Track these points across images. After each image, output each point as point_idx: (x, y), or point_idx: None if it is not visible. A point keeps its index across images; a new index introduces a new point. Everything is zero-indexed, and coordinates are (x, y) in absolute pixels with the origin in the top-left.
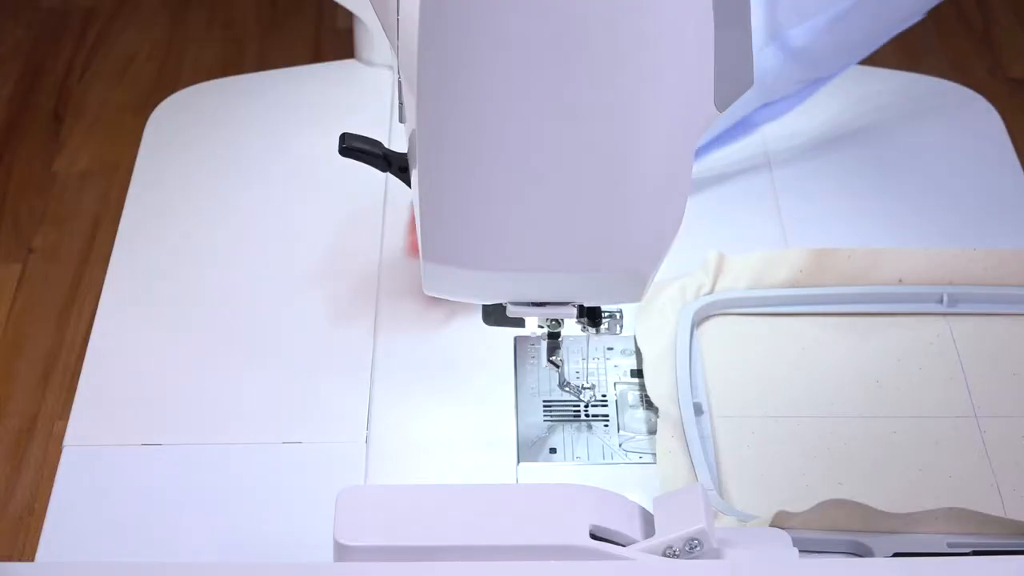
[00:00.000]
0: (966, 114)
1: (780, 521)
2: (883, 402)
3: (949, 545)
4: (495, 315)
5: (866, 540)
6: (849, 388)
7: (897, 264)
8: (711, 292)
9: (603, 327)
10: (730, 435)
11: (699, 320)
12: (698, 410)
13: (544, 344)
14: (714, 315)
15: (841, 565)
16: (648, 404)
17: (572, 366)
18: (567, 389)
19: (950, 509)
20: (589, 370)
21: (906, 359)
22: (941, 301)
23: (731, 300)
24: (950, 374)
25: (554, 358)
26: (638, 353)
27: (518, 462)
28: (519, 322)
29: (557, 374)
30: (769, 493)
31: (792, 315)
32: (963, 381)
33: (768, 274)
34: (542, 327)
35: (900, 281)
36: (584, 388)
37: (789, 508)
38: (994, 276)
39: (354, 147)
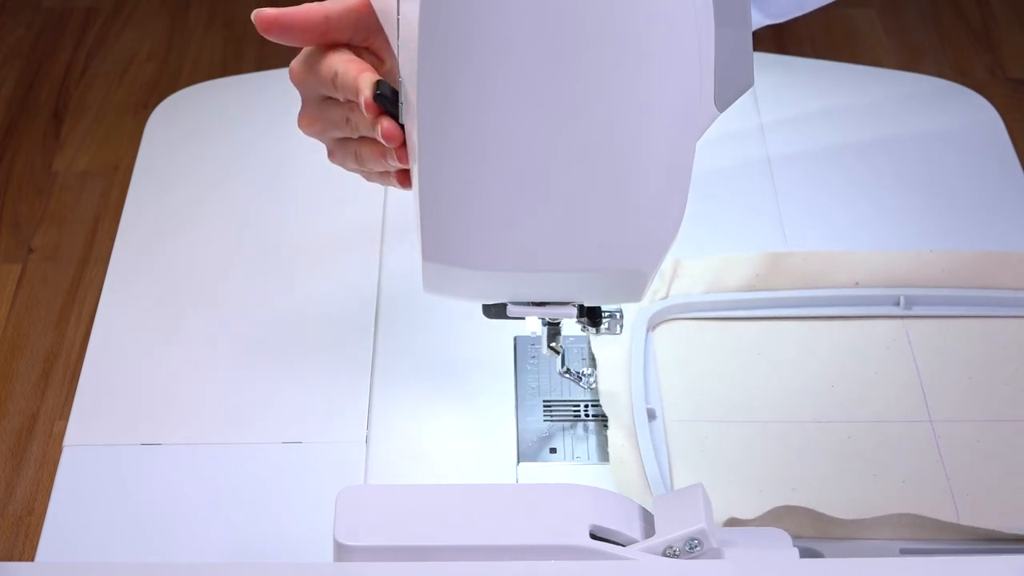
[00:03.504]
0: (966, 114)
1: (730, 527)
2: (838, 406)
3: (901, 551)
4: (495, 308)
5: (817, 546)
6: (804, 392)
7: (854, 267)
8: (666, 297)
9: (603, 327)
10: (683, 440)
11: (654, 325)
12: (651, 415)
13: (545, 331)
14: (669, 320)
15: (841, 565)
16: None
17: (573, 364)
18: (567, 375)
19: (902, 515)
20: (590, 364)
21: (862, 363)
22: (898, 304)
23: (686, 305)
24: (906, 378)
25: (554, 344)
26: (592, 358)
27: (518, 462)
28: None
29: (557, 360)
30: (722, 498)
31: (748, 319)
32: (919, 385)
33: (724, 278)
34: (542, 320)
35: (857, 284)
36: (584, 374)
37: (742, 514)
38: (951, 278)
39: (386, 95)
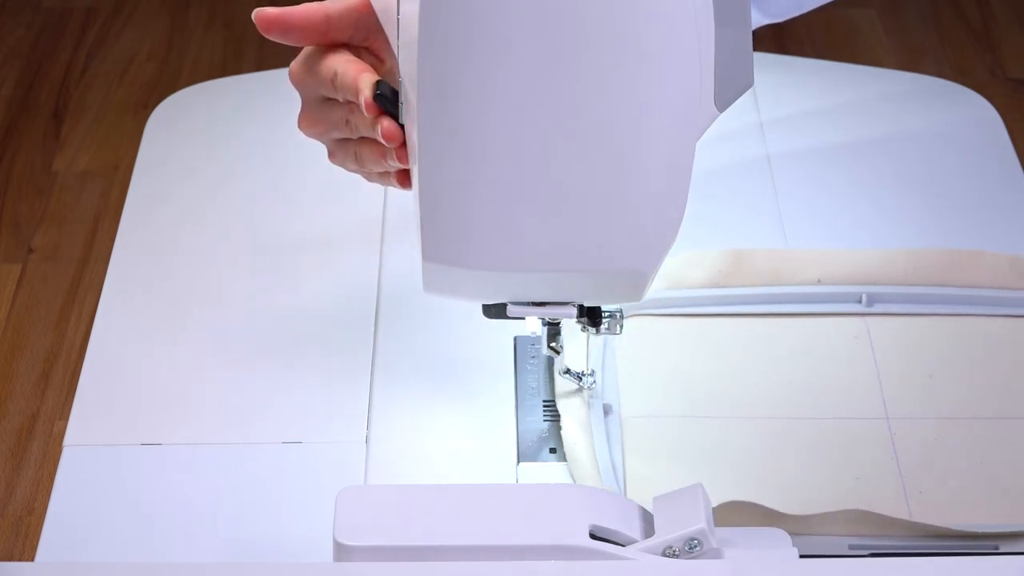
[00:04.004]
0: (966, 114)
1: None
2: (796, 403)
3: (851, 547)
4: (495, 308)
5: None
6: (763, 389)
7: (816, 264)
8: None
9: (603, 327)
10: (639, 436)
11: None
12: (607, 411)
13: (545, 331)
14: (630, 315)
15: (841, 565)
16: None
17: (574, 360)
18: (568, 376)
19: (851, 511)
20: (590, 359)
21: (822, 360)
22: (860, 301)
23: (648, 301)
24: (865, 375)
25: (554, 344)
26: (550, 358)
27: (518, 462)
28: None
29: (557, 360)
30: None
31: (710, 316)
32: (877, 382)
33: (687, 275)
34: (542, 320)
35: (819, 281)
36: (585, 375)
37: None
38: (914, 276)
39: (386, 95)
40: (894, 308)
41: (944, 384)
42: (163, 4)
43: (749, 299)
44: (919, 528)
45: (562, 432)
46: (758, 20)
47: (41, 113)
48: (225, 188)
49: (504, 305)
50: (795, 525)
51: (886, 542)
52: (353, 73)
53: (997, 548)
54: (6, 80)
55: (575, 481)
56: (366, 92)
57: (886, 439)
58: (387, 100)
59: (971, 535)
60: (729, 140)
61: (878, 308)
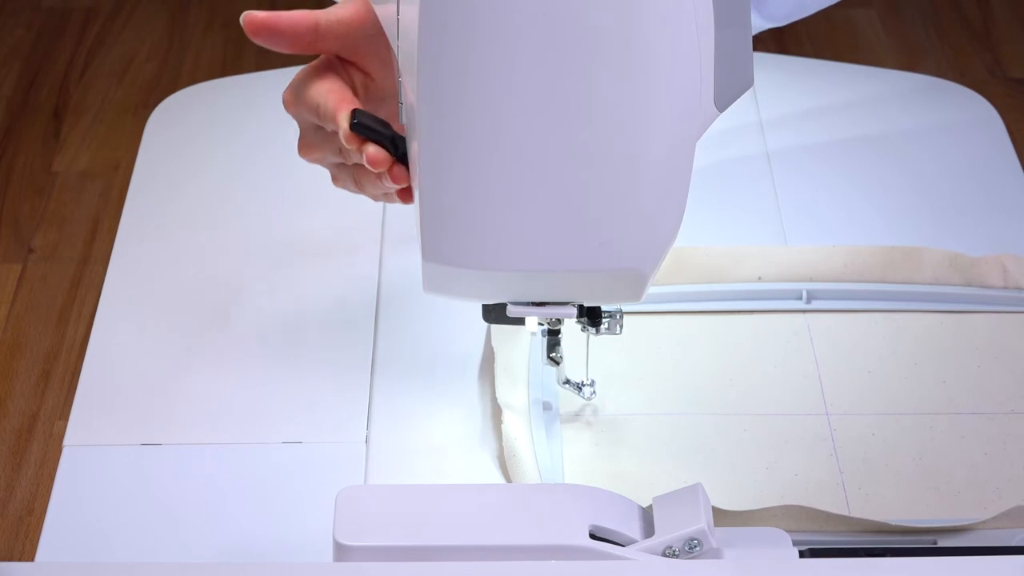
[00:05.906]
0: (966, 114)
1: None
2: (737, 400)
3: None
4: (495, 312)
5: None
6: (703, 386)
7: (757, 262)
8: None
9: (603, 327)
10: (579, 433)
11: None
12: (546, 407)
13: (544, 341)
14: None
15: (841, 565)
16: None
17: (573, 361)
18: (567, 386)
19: (789, 507)
20: (589, 367)
21: (763, 357)
22: (800, 298)
23: None
24: (805, 372)
25: (554, 355)
26: (490, 353)
27: None
28: (519, 319)
29: (557, 371)
30: (615, 491)
31: (650, 314)
32: (817, 379)
33: None
34: (542, 324)
35: (760, 279)
36: (584, 385)
37: None
38: (854, 273)
39: (364, 124)
40: (834, 305)
41: (883, 380)
42: (163, 4)
43: (690, 297)
44: (857, 523)
45: (502, 428)
46: (759, 24)
47: (41, 113)
48: (225, 188)
49: (504, 308)
50: (734, 521)
51: (825, 538)
52: (333, 105)
53: (935, 543)
54: (6, 80)
55: (513, 479)
56: (344, 125)
57: (825, 435)
58: (366, 128)
59: (909, 530)
60: (729, 139)
61: (818, 305)
